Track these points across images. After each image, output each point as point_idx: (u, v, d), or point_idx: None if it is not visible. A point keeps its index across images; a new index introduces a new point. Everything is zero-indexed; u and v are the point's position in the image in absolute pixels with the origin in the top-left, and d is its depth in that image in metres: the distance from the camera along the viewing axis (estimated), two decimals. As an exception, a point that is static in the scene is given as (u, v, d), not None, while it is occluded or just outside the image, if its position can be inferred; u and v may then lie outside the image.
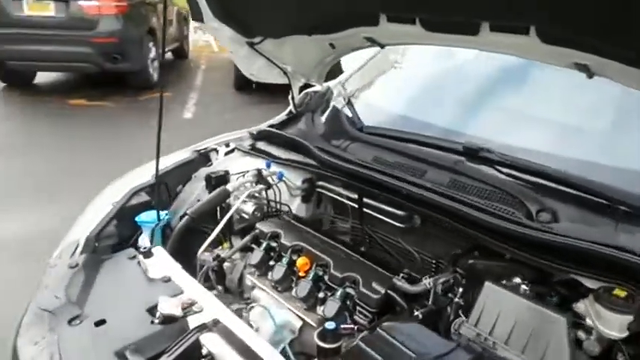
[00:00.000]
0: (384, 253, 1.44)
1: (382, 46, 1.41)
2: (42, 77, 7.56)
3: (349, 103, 1.74)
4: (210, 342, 0.97)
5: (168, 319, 1.02)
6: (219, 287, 1.40)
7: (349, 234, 1.56)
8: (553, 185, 1.13)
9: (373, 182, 1.30)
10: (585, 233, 1.00)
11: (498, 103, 1.44)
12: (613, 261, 0.94)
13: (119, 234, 1.35)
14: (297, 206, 1.66)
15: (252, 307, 1.21)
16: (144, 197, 1.45)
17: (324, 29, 1.41)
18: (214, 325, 1.01)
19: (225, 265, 1.44)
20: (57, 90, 7.34)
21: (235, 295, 1.42)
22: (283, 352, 1.15)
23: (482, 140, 1.30)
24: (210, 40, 10.86)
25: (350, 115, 1.69)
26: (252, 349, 0.95)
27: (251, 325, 1.16)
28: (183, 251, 1.42)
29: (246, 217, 1.57)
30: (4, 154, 4.64)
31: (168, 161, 1.68)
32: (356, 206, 1.46)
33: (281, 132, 1.67)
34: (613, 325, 0.94)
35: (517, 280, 1.10)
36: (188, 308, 1.05)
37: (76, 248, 1.24)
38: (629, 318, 0.93)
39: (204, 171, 1.70)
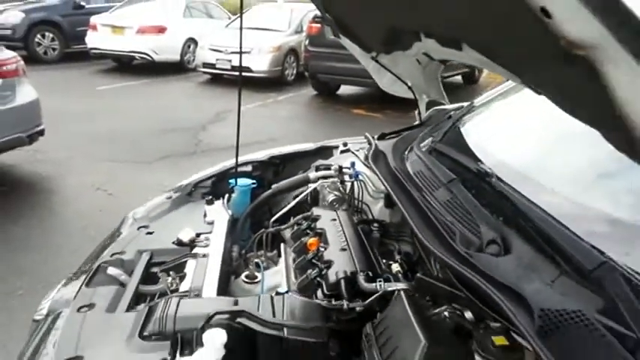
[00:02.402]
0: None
1: (442, 62, 1.42)
2: (344, 89, 9.04)
3: (449, 120, 1.73)
4: (189, 265, 1.29)
5: (179, 243, 1.39)
6: (275, 251, 1.68)
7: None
8: (525, 223, 0.99)
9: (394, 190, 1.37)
10: (508, 273, 0.89)
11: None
12: (499, 307, 0.83)
13: (214, 188, 1.79)
14: (378, 209, 1.78)
15: (255, 262, 1.46)
16: (248, 167, 1.86)
17: (398, 45, 1.51)
18: (202, 257, 1.32)
19: (287, 235, 1.71)
20: (348, 100, 8.64)
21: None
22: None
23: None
24: (506, 68, 10.61)
25: (442, 131, 1.70)
26: (205, 282, 1.22)
27: (253, 277, 1.42)
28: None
29: (326, 204, 1.79)
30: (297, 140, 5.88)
31: (292, 148, 2.04)
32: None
33: (372, 139, 1.82)
34: (481, 370, 0.84)
35: (469, 314, 1.03)
36: (197, 241, 1.40)
37: (179, 189, 1.75)
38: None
39: (320, 162, 2.00)
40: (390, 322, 0.98)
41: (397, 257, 1.52)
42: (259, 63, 9.25)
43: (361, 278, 1.21)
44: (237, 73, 9.37)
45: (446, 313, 1.00)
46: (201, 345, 0.95)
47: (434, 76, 1.72)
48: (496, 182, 1.13)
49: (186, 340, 0.99)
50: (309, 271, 1.34)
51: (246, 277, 1.44)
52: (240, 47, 1.70)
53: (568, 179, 1.11)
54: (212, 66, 9.56)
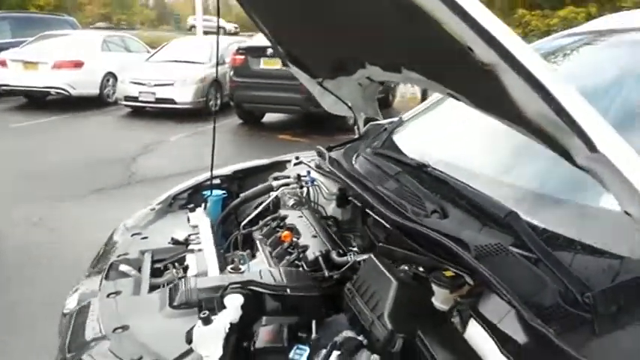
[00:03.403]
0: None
1: (380, 83, 1.80)
2: (268, 117, 9.39)
3: (385, 131, 2.12)
4: (189, 258, 1.54)
5: (176, 242, 1.63)
6: (248, 251, 1.94)
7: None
8: (457, 195, 1.37)
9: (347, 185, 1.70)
10: (450, 228, 1.24)
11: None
12: (447, 248, 1.17)
13: (190, 199, 2.03)
14: (332, 209, 2.10)
15: (240, 255, 1.72)
16: (216, 181, 2.12)
17: (345, 71, 1.88)
18: (198, 251, 1.57)
19: (258, 237, 1.98)
20: (273, 127, 9.00)
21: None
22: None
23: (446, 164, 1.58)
24: (417, 92, 11.58)
25: (378, 140, 2.08)
26: (207, 267, 1.47)
27: (237, 268, 1.67)
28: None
29: (288, 208, 2.09)
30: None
31: (252, 164, 2.33)
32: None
33: (323, 150, 2.16)
34: (437, 297, 1.18)
35: (420, 269, 1.37)
36: (190, 240, 1.64)
37: (160, 202, 1.97)
38: (446, 292, 1.15)
39: (276, 174, 2.29)
40: (366, 277, 1.30)
41: (354, 243, 1.85)
42: (183, 95, 9.39)
43: (334, 254, 1.52)
44: (161, 105, 9.45)
45: (405, 267, 1.34)
46: (223, 307, 1.20)
47: (372, 95, 2.11)
48: (431, 170, 1.50)
49: (208, 307, 1.24)
50: (287, 257, 1.63)
51: (232, 268, 1.69)
52: (217, 60, 1.98)
53: (481, 163, 1.51)
54: (134, 99, 9.53)
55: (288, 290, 1.28)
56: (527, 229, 1.14)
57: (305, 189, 2.10)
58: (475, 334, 1.05)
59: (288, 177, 2.17)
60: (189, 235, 1.66)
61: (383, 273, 1.26)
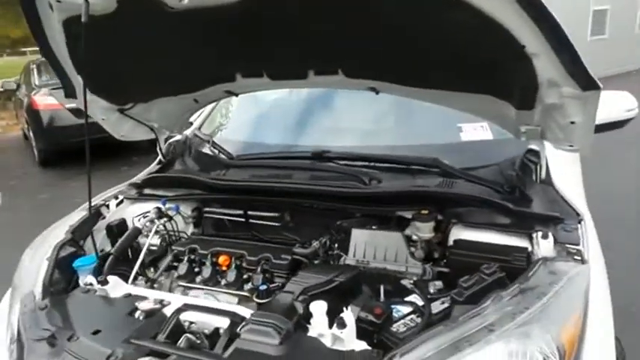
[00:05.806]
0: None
1: (237, 95, 1.93)
2: None
3: (213, 143, 2.20)
4: (189, 316, 1.34)
5: (150, 314, 1.35)
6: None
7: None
8: (374, 164, 1.79)
9: (257, 190, 1.80)
10: (397, 185, 1.67)
11: (324, 120, 2.10)
12: (413, 195, 1.60)
13: (63, 278, 1.57)
14: (191, 231, 2.04)
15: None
16: (69, 249, 1.69)
17: (191, 89, 1.87)
18: (186, 308, 1.37)
19: (155, 286, 1.75)
20: None
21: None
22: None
23: (320, 146, 1.92)
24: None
25: (217, 151, 2.16)
26: (221, 308, 1.35)
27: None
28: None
29: (155, 249, 1.89)
30: None
31: (68, 222, 1.88)
32: (238, 219, 1.94)
33: (168, 174, 2.04)
34: (424, 230, 1.61)
35: (373, 227, 1.71)
36: (161, 303, 1.40)
37: (34, 297, 1.45)
38: (431, 224, 1.61)
39: (102, 224, 1.95)
40: (369, 244, 1.58)
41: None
42: None
43: (299, 249, 1.66)
44: None
45: (374, 227, 1.68)
46: (311, 317, 1.25)
47: (193, 112, 2.12)
48: (333, 153, 1.84)
49: (299, 325, 1.25)
50: (247, 275, 1.62)
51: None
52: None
53: (353, 136, 1.97)
54: None
55: (342, 277, 1.41)
56: (450, 165, 1.72)
57: (168, 219, 1.95)
58: (465, 235, 1.56)
59: (122, 219, 1.93)
60: (151, 300, 1.40)
61: (382, 234, 1.59)
